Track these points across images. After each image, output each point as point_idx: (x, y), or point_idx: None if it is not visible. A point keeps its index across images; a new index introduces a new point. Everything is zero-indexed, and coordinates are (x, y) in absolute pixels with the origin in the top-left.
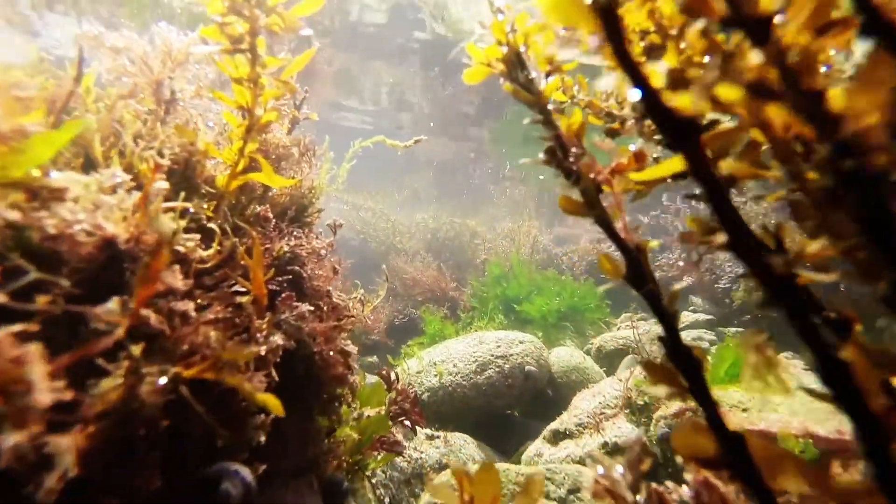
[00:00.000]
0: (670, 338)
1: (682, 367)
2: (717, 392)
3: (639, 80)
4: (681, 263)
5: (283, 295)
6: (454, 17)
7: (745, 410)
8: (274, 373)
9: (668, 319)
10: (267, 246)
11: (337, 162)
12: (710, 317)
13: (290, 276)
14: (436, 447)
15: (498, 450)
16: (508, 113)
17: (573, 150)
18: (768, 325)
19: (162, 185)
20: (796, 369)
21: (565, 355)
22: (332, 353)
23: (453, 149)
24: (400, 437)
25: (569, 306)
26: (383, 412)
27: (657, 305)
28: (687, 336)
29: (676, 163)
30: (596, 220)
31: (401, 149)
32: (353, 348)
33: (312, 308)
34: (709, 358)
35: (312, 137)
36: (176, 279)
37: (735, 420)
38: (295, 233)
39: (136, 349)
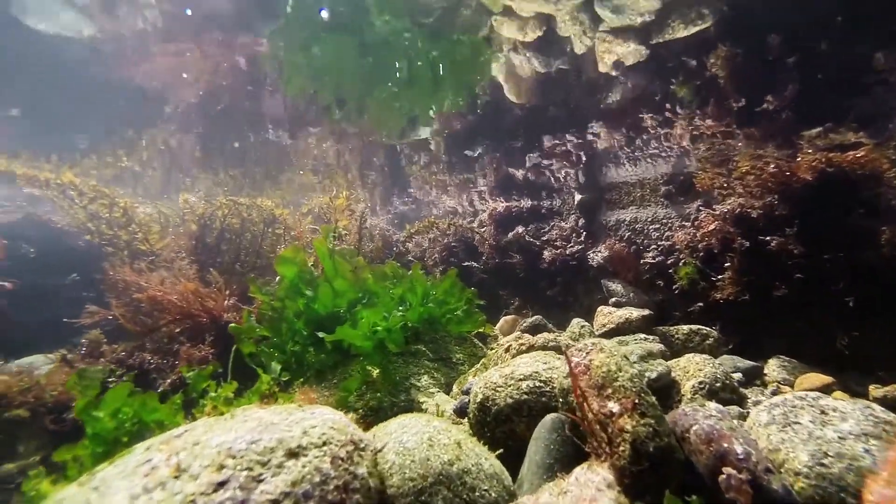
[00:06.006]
0: None
1: None
2: None
3: None
4: (582, 232)
5: None
6: None
7: None
8: None
9: None
10: None
11: None
12: (644, 311)
13: None
14: None
15: None
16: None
17: None
18: (743, 317)
19: None
20: None
21: (417, 444)
22: None
23: (220, 75)
24: None
25: (421, 318)
26: None
27: None
28: (631, 353)
29: None
30: None
31: None
32: None
33: None
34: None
35: None
36: None
37: None
38: None
39: None
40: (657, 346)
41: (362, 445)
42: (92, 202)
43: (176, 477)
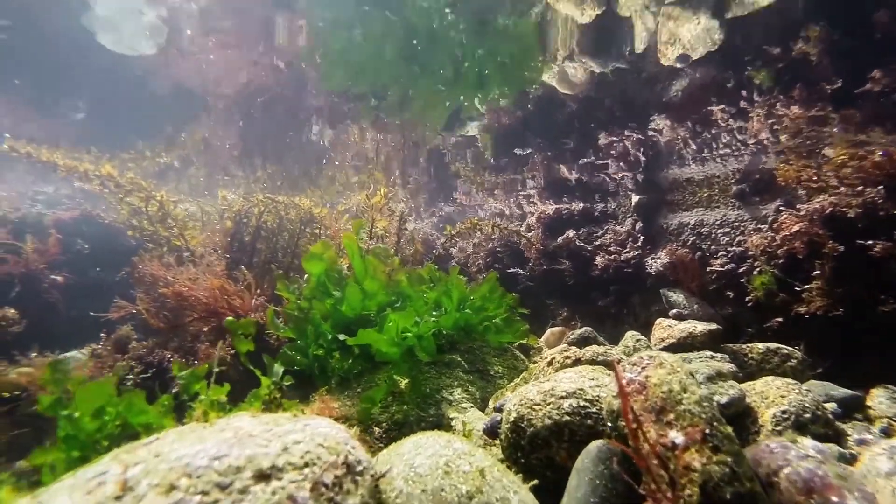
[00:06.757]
0: None
1: None
2: None
3: None
4: (640, 236)
5: None
6: None
7: None
8: None
9: None
10: None
11: None
12: (710, 325)
13: None
14: None
15: None
16: None
17: None
18: (835, 335)
19: None
20: None
21: (430, 470)
22: None
23: (260, 68)
24: None
25: (456, 325)
26: None
27: None
28: (696, 372)
29: None
30: None
31: None
32: None
33: None
34: None
35: None
36: None
37: None
38: None
39: None
40: (727, 366)
41: (358, 469)
42: (128, 195)
43: (118, 498)
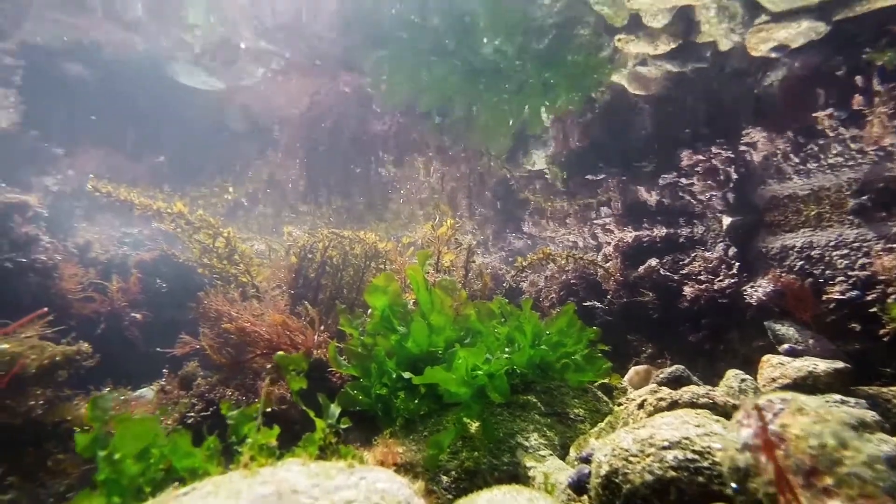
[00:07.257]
0: None
1: None
2: None
3: None
4: (734, 262)
5: None
6: None
7: None
8: None
9: None
10: None
11: None
12: (835, 364)
13: None
14: None
15: None
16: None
17: None
18: None
19: None
20: None
21: None
22: None
23: (325, 98)
24: None
25: (531, 363)
26: None
27: None
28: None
29: None
30: None
31: None
32: None
33: None
34: None
35: None
36: None
37: None
38: None
39: None
40: (869, 414)
41: None
42: (197, 231)
43: None
